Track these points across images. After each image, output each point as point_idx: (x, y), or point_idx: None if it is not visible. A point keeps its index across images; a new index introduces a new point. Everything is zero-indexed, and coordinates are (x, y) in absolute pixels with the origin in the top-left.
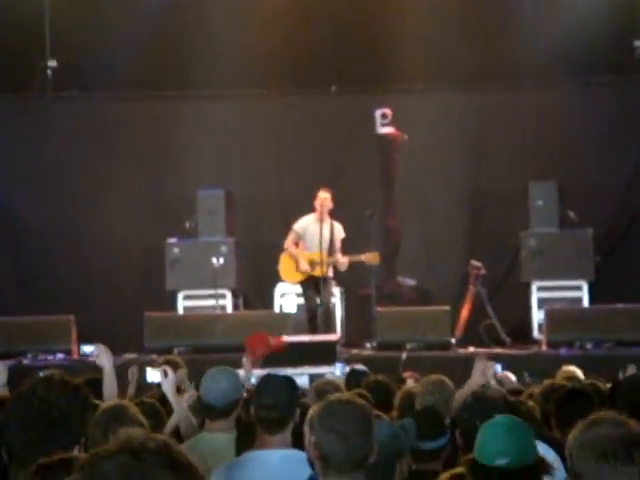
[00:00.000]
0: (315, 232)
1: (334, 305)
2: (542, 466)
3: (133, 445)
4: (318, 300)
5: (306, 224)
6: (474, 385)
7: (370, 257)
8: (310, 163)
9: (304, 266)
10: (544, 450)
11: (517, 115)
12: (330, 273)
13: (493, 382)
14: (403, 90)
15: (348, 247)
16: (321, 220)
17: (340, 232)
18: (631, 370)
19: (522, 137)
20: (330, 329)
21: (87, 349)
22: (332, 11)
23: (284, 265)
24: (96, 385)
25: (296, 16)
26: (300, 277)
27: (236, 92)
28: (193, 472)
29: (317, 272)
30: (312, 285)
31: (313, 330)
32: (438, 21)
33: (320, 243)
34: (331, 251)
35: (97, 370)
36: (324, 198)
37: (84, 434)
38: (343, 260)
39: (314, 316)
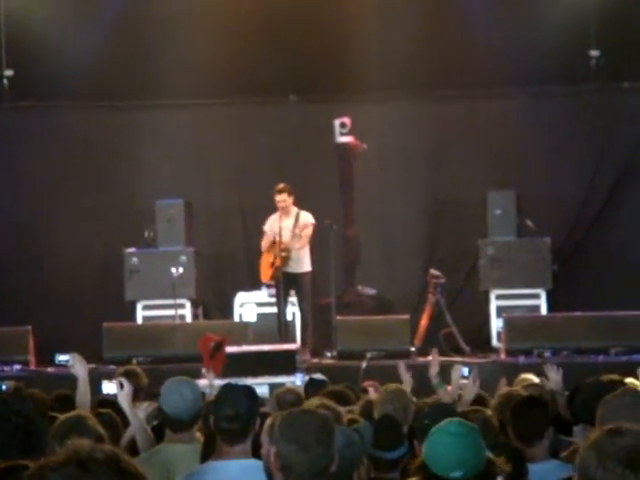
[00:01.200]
0: (276, 227)
1: (294, 314)
2: (493, 469)
3: (80, 456)
4: (295, 307)
5: (271, 222)
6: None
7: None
8: (269, 172)
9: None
10: None
11: (475, 124)
12: (305, 267)
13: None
14: (362, 99)
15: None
16: (286, 215)
17: (306, 218)
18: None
19: (480, 146)
20: (305, 334)
21: (62, 358)
22: (291, 20)
23: (262, 265)
24: (65, 400)
25: (255, 24)
26: (270, 273)
27: (194, 101)
28: None
29: (278, 262)
30: (286, 284)
31: (284, 339)
32: (396, 30)
33: (280, 237)
34: (294, 239)
35: (54, 382)
36: (280, 201)
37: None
38: (289, 242)
39: (284, 324)
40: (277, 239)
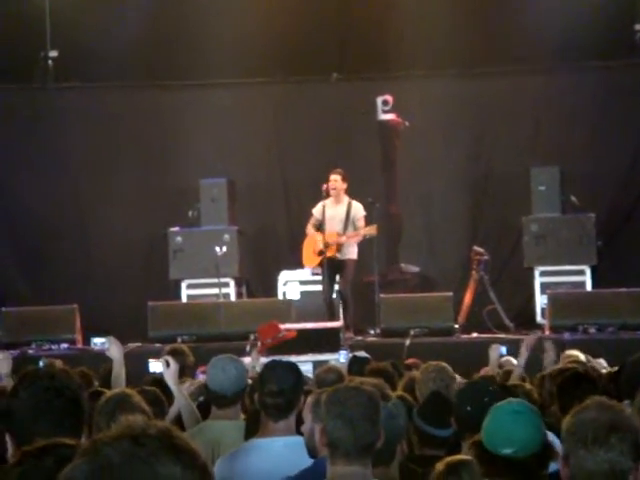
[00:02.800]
0: (329, 214)
1: (337, 293)
2: (549, 453)
3: (134, 431)
4: (336, 286)
5: (321, 207)
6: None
7: (368, 230)
8: (311, 151)
9: (319, 244)
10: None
11: (518, 100)
12: (351, 255)
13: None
14: (404, 77)
15: None
16: (337, 202)
17: (358, 211)
18: None
19: (524, 122)
20: (346, 316)
21: (98, 341)
22: None
23: (305, 249)
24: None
25: (297, 3)
26: (316, 261)
27: (237, 80)
28: (194, 457)
29: (329, 252)
30: (332, 270)
31: (331, 316)
32: (438, 7)
33: (324, 225)
34: (347, 230)
35: (101, 359)
36: (332, 180)
37: (90, 421)
38: (346, 239)
39: (329, 303)
40: (323, 227)
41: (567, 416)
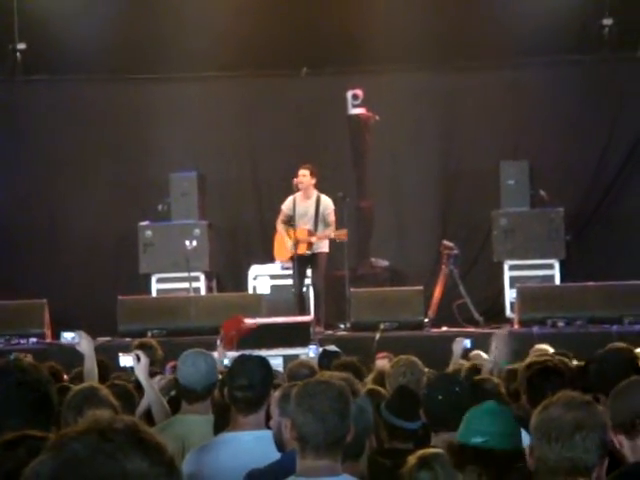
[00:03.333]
0: (299, 210)
1: (308, 287)
2: (519, 457)
3: (101, 425)
4: (308, 280)
5: (290, 203)
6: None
7: (338, 234)
8: (282, 145)
9: (288, 245)
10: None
11: (487, 95)
12: (323, 249)
13: (463, 360)
14: (374, 71)
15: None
16: (306, 197)
17: (328, 205)
18: None
19: (493, 117)
20: (318, 310)
21: (67, 335)
22: None
23: (276, 244)
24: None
25: None
26: (288, 255)
27: (207, 74)
28: (161, 452)
29: (300, 250)
30: (303, 264)
31: (301, 311)
32: (407, 2)
33: (295, 221)
34: (317, 226)
35: (71, 353)
36: (301, 175)
37: (59, 416)
38: (316, 239)
39: (300, 297)
40: (294, 223)
41: (536, 410)
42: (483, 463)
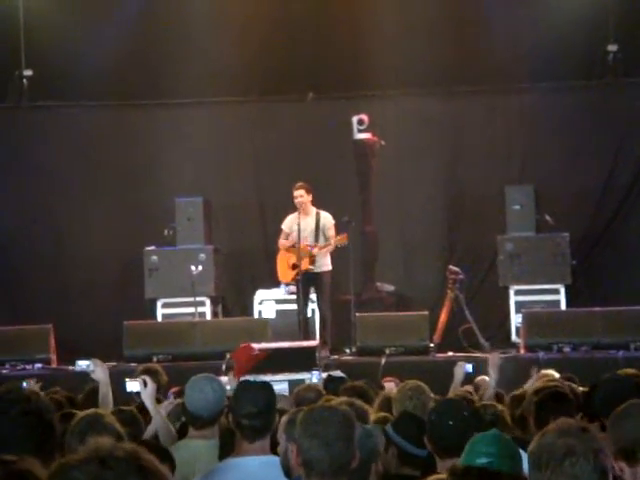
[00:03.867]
0: (296, 227)
1: (313, 311)
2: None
3: (101, 453)
4: (315, 304)
5: (290, 222)
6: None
7: (339, 239)
8: (287, 169)
9: (292, 261)
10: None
11: (493, 120)
12: (326, 267)
13: (463, 384)
14: (379, 96)
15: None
16: (305, 214)
17: (328, 220)
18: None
19: (498, 141)
20: (324, 333)
21: (82, 363)
22: (308, 18)
23: (279, 265)
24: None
25: (273, 23)
26: (291, 275)
27: (212, 99)
28: (161, 478)
29: (304, 265)
30: (307, 284)
31: (305, 335)
32: (412, 27)
33: (299, 238)
34: (318, 241)
35: (77, 379)
36: (297, 196)
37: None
38: (318, 250)
39: (304, 321)
40: (298, 241)
41: (535, 437)
42: None
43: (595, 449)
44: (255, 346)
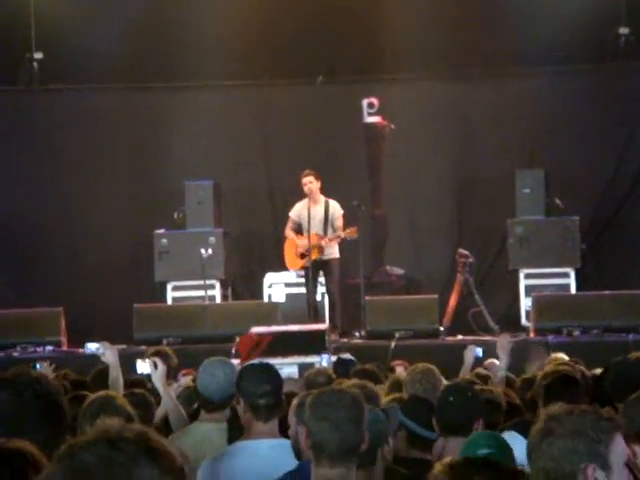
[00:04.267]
0: (307, 215)
1: (323, 295)
2: (520, 476)
3: (110, 435)
4: (324, 288)
5: (299, 209)
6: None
7: (349, 232)
8: (297, 153)
9: (300, 247)
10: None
11: (503, 103)
12: (334, 254)
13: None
14: (390, 80)
15: None
16: (314, 202)
17: (336, 210)
18: None
19: (508, 125)
20: (333, 317)
21: (92, 346)
22: (319, 1)
23: (286, 252)
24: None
25: (282, 6)
26: (299, 264)
27: (222, 82)
28: (171, 460)
29: (313, 255)
30: (315, 271)
31: (315, 318)
32: (423, 11)
33: (309, 226)
34: (326, 230)
35: (88, 362)
36: (307, 182)
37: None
38: (326, 242)
39: (313, 305)
40: (308, 229)
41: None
42: (491, 473)
43: (578, 430)
44: (260, 330)
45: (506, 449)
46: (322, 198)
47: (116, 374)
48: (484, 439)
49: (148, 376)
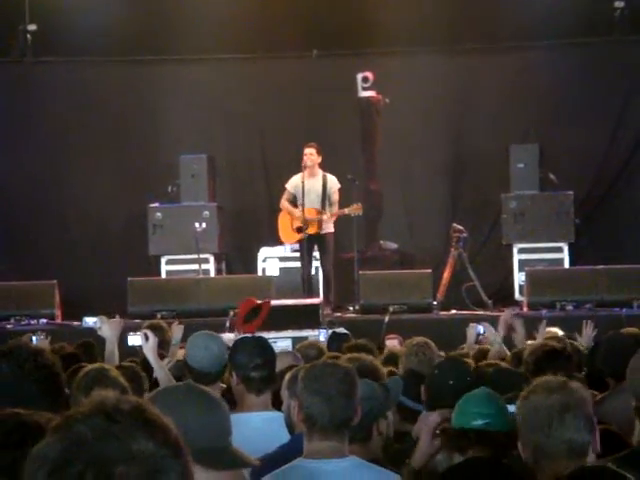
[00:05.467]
0: (305, 188)
1: (317, 269)
2: (515, 437)
3: (107, 407)
4: (318, 262)
5: (296, 182)
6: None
7: (353, 209)
8: (291, 127)
9: (296, 217)
10: None
11: (497, 78)
12: (329, 229)
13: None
14: (384, 53)
15: None
16: (311, 175)
17: (334, 184)
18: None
19: (503, 100)
20: (327, 292)
21: (89, 320)
22: None
23: (281, 225)
24: (88, 349)
25: None
26: (295, 237)
27: (217, 56)
28: (167, 433)
29: (311, 230)
30: (310, 245)
31: (309, 293)
32: None
33: (303, 199)
34: (324, 204)
35: (82, 335)
36: (307, 154)
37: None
38: (329, 217)
39: (308, 279)
40: (302, 201)
41: (518, 403)
42: (487, 445)
43: (584, 399)
44: (254, 300)
45: (502, 412)
46: (320, 172)
47: (112, 348)
48: (477, 406)
49: (140, 348)
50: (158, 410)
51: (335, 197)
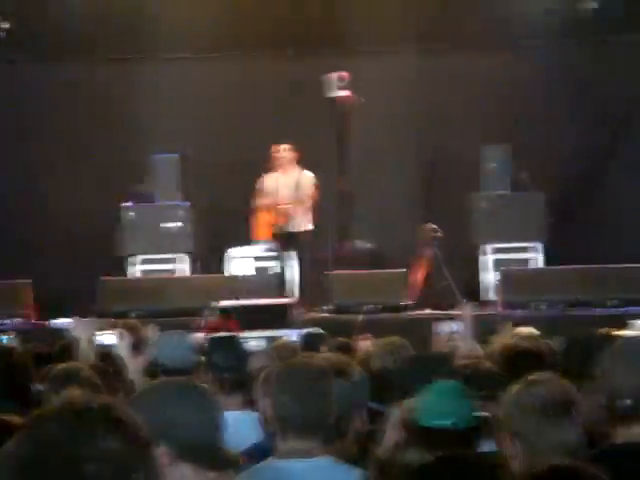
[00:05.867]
0: (275, 185)
1: (291, 268)
2: (484, 427)
3: (76, 406)
4: (291, 261)
5: (267, 180)
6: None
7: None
8: (265, 126)
9: (271, 220)
10: None
11: (471, 78)
12: (305, 226)
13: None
14: (358, 52)
15: None
16: (284, 172)
17: (307, 178)
18: None
19: (476, 99)
20: (301, 293)
21: (62, 321)
22: None
23: (257, 224)
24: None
25: None
26: (269, 233)
27: (190, 55)
28: (137, 431)
29: (281, 221)
30: (285, 243)
31: (282, 292)
32: None
33: (277, 196)
34: (297, 199)
35: (55, 335)
36: (282, 150)
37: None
38: (289, 207)
39: (281, 279)
40: (276, 200)
41: (512, 392)
42: (453, 445)
43: (572, 398)
44: (227, 304)
45: (468, 407)
46: (296, 169)
47: (86, 348)
48: (443, 404)
49: (111, 347)
50: (152, 406)
51: (308, 191)
